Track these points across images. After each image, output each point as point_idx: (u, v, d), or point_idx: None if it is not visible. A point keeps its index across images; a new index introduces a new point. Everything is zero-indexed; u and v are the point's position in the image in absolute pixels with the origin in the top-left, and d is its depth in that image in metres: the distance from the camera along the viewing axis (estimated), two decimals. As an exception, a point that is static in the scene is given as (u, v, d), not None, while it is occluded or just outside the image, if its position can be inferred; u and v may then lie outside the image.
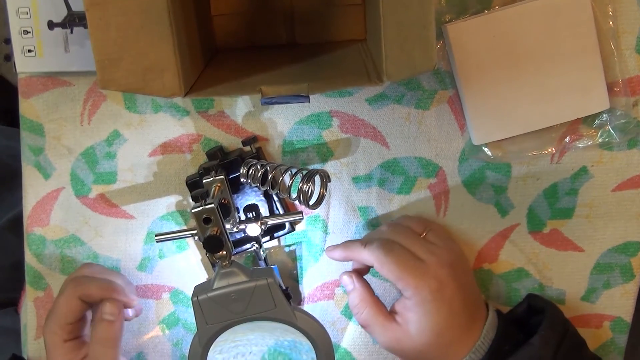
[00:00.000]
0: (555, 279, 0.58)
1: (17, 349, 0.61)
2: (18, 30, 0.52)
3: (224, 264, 0.47)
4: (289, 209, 0.57)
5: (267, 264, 0.56)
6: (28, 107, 0.56)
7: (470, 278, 0.54)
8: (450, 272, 0.50)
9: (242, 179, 0.51)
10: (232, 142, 0.56)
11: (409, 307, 0.49)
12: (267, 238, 0.56)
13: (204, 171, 0.52)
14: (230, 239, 0.47)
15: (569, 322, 0.53)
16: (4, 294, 0.80)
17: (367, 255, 0.51)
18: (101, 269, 0.57)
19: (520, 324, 0.53)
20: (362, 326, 0.53)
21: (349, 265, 0.56)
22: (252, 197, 0.55)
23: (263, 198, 0.55)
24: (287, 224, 0.56)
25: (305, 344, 0.47)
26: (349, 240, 0.56)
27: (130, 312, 0.56)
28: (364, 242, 0.52)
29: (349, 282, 0.54)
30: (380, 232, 0.54)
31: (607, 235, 0.57)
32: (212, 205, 0.45)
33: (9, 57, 1.26)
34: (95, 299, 0.52)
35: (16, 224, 0.58)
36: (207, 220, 0.46)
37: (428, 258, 0.50)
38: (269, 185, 0.50)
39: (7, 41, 1.20)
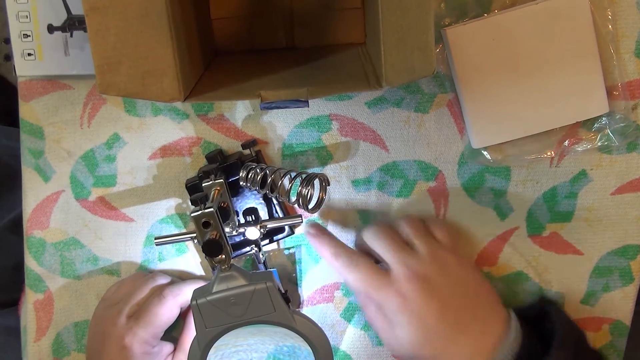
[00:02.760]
0: (555, 282, 0.58)
1: (18, 348, 0.62)
2: (18, 34, 0.52)
3: (223, 267, 0.47)
4: (288, 212, 0.57)
5: (266, 267, 0.56)
6: (28, 110, 0.56)
7: (467, 290, 0.51)
8: (420, 285, 0.48)
9: (241, 183, 0.51)
10: (231, 145, 0.56)
11: (387, 321, 0.50)
12: (267, 241, 0.56)
13: (204, 174, 0.52)
14: (230, 243, 0.48)
15: (581, 333, 0.51)
16: (7, 294, 0.80)
17: (334, 266, 0.52)
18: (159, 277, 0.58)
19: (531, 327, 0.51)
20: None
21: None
22: (251, 200, 0.55)
23: (262, 201, 0.55)
24: (287, 227, 0.56)
25: (305, 349, 0.47)
26: (328, 239, 0.54)
27: None
28: (335, 250, 0.53)
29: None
30: (363, 234, 0.54)
31: (607, 239, 0.57)
32: (212, 209, 0.45)
33: (9, 57, 1.26)
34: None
35: (18, 224, 0.59)
36: (206, 224, 0.46)
37: (397, 269, 0.49)
38: (269, 188, 0.50)
39: (7, 41, 1.20)
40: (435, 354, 0.48)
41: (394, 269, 0.49)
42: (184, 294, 0.54)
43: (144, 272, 0.58)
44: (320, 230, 0.55)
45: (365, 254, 0.52)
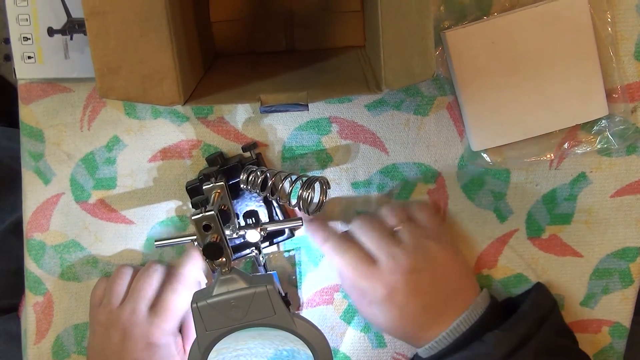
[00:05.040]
0: (554, 284, 0.58)
1: (20, 354, 0.61)
2: (18, 37, 0.52)
3: (224, 270, 0.47)
4: (288, 215, 0.57)
5: (266, 270, 0.56)
6: (28, 113, 0.56)
7: (448, 278, 0.52)
8: (406, 278, 0.50)
9: (242, 185, 0.51)
10: (231, 148, 0.56)
11: (368, 302, 0.52)
12: (267, 244, 0.56)
13: (204, 177, 0.52)
14: (230, 245, 0.48)
15: (547, 324, 0.52)
16: (8, 299, 0.80)
17: (324, 250, 0.54)
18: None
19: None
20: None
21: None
22: (251, 203, 0.55)
23: (263, 204, 0.55)
24: (287, 230, 0.56)
25: (304, 352, 0.47)
26: (320, 223, 0.56)
27: None
28: (326, 235, 0.54)
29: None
30: (354, 224, 0.54)
31: (606, 241, 0.57)
32: (212, 212, 0.45)
33: (9, 57, 1.26)
34: None
35: (19, 227, 0.58)
36: (207, 227, 0.46)
37: (385, 261, 0.51)
38: (269, 191, 0.50)
39: (7, 41, 1.20)
40: (407, 337, 0.52)
41: (381, 260, 0.51)
42: (190, 277, 0.55)
43: (129, 266, 0.57)
44: (316, 222, 0.56)
45: (354, 242, 0.53)
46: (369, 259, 0.51)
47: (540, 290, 0.56)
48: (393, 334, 0.53)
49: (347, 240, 0.53)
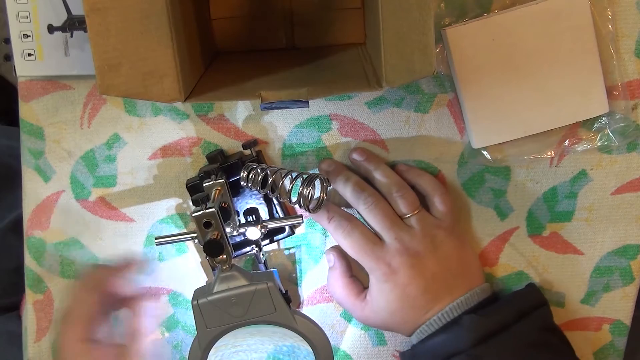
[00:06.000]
0: (555, 282, 0.58)
1: (21, 353, 0.61)
2: (18, 34, 0.52)
3: (224, 267, 0.47)
4: (288, 213, 0.57)
5: (266, 267, 0.56)
6: (28, 111, 0.56)
7: (452, 267, 0.52)
8: (411, 261, 0.50)
9: (242, 183, 0.51)
10: (232, 145, 0.56)
11: (370, 284, 0.53)
12: (267, 241, 0.56)
13: (204, 174, 0.52)
14: (230, 243, 0.48)
15: (529, 323, 0.51)
16: (8, 297, 0.80)
17: (329, 230, 0.54)
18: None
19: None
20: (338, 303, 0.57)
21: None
22: (252, 200, 0.55)
23: (263, 201, 0.55)
24: (287, 228, 0.56)
25: (304, 348, 0.47)
26: (326, 205, 0.54)
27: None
28: (331, 215, 0.53)
29: (330, 260, 0.57)
30: (362, 204, 0.52)
31: (607, 239, 0.57)
32: (213, 209, 0.45)
33: (9, 57, 1.26)
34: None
35: (19, 225, 0.58)
36: (207, 225, 0.46)
37: (391, 242, 0.51)
38: (269, 189, 0.50)
39: (7, 41, 1.20)
40: (405, 321, 0.52)
41: (388, 242, 0.51)
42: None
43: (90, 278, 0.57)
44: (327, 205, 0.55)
45: (360, 222, 0.53)
46: (375, 239, 0.52)
47: (529, 288, 0.56)
48: (389, 321, 0.53)
49: (353, 220, 0.53)
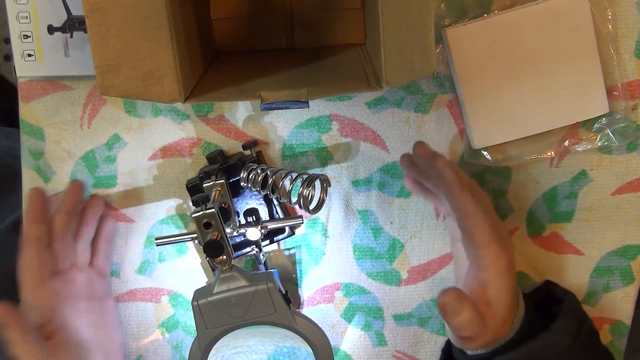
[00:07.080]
0: (555, 282, 0.58)
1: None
2: (18, 35, 0.52)
3: (224, 268, 0.47)
4: (288, 213, 0.57)
5: (267, 268, 0.56)
6: (28, 111, 0.56)
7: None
8: (506, 275, 0.46)
9: (242, 183, 0.51)
10: (232, 145, 0.56)
11: (487, 282, 0.46)
12: (267, 242, 0.56)
13: (205, 175, 0.52)
14: (231, 243, 0.48)
15: (585, 313, 0.50)
16: (10, 297, 0.79)
17: (460, 204, 0.45)
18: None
19: (538, 309, 0.50)
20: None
21: (349, 265, 0.56)
22: (252, 201, 0.55)
23: (263, 202, 0.55)
24: (287, 228, 0.56)
25: (304, 349, 0.47)
26: (446, 171, 0.47)
27: None
28: (467, 188, 0.46)
29: (457, 306, 0.45)
30: (459, 216, 0.47)
31: (607, 239, 0.57)
32: (213, 210, 0.45)
33: (9, 57, 1.26)
34: None
35: (19, 225, 0.58)
36: (207, 225, 0.46)
37: (501, 230, 0.47)
38: (269, 189, 0.50)
39: (7, 41, 1.20)
40: (508, 318, 0.47)
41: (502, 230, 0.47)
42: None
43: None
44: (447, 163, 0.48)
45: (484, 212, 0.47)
46: (495, 238, 0.45)
47: (569, 294, 0.52)
48: (510, 313, 0.46)
49: (480, 207, 0.46)
